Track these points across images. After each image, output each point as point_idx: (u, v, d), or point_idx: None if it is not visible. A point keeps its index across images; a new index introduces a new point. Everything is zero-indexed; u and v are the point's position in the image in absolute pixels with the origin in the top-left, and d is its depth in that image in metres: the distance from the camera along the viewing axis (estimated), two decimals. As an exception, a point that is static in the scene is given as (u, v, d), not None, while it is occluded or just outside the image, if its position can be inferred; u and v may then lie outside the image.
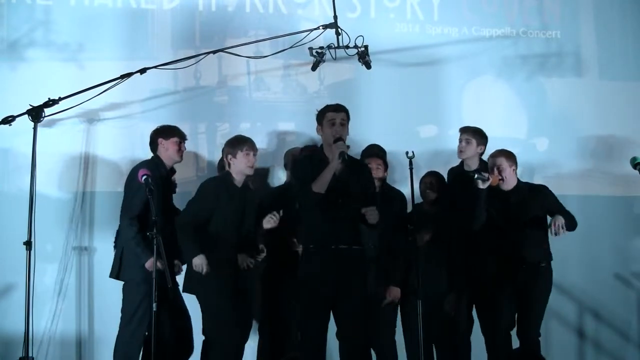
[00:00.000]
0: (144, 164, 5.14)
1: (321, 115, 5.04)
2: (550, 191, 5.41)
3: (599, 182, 6.57)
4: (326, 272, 4.89)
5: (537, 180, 6.08)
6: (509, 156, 5.33)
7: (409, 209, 5.24)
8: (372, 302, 5.31)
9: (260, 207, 5.19)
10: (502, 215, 5.28)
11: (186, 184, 5.68)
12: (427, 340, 5.41)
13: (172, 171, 5.33)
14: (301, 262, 5.06)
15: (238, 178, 5.05)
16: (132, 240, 5.04)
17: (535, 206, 5.30)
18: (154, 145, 5.28)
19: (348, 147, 4.98)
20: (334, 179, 4.91)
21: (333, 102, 5.13)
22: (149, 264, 4.97)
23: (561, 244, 5.93)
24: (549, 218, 5.22)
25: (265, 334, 5.54)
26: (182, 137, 5.30)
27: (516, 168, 5.36)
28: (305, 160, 5.25)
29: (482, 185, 5.19)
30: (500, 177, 5.26)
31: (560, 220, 5.12)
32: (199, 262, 4.85)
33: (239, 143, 5.06)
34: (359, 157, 5.52)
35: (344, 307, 4.92)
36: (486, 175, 5.20)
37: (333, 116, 5.00)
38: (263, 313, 5.53)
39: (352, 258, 4.96)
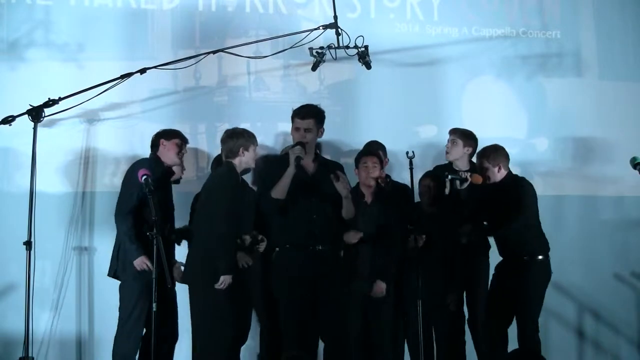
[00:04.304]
0: (144, 162, 5.15)
1: (292, 118, 5.18)
2: (525, 187, 5.35)
3: (598, 182, 6.57)
4: (304, 273, 4.98)
5: (536, 180, 6.08)
6: (492, 155, 5.34)
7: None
8: (371, 301, 5.35)
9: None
10: (486, 212, 5.30)
11: (186, 184, 5.67)
12: (429, 340, 5.45)
13: (170, 173, 5.32)
14: (276, 262, 5.12)
15: (239, 170, 4.96)
16: (124, 235, 5.06)
17: (516, 201, 5.27)
18: (155, 146, 5.28)
19: (304, 152, 5.06)
20: (307, 179, 5.08)
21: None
22: (137, 261, 4.99)
23: (561, 244, 5.94)
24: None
25: (266, 332, 5.55)
26: (183, 140, 5.31)
27: (504, 164, 5.36)
28: (269, 164, 5.38)
29: (460, 186, 5.24)
30: (482, 178, 5.28)
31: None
32: (227, 280, 4.79)
33: (251, 137, 5.01)
34: (359, 156, 5.52)
35: (323, 307, 5.01)
36: (464, 174, 5.24)
37: (299, 123, 5.20)
38: (263, 311, 5.53)
39: (328, 258, 5.03)
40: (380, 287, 5.32)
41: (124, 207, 5.11)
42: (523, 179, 5.48)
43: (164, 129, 5.35)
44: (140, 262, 4.99)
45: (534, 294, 5.30)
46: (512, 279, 5.25)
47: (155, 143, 5.29)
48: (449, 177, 5.28)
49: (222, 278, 4.76)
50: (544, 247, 5.36)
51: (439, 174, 5.60)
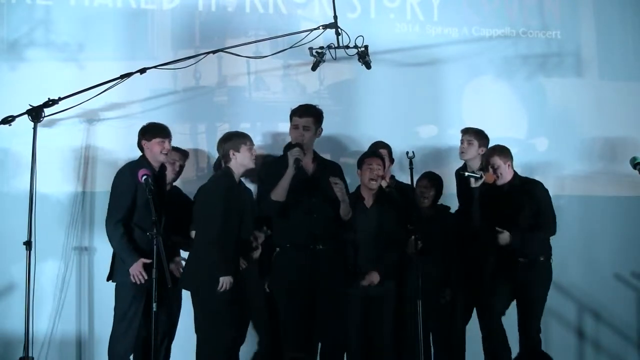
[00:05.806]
0: (133, 164, 5.11)
1: (290, 117, 5.16)
2: (543, 188, 5.46)
3: (598, 182, 6.57)
4: (303, 273, 4.99)
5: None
6: (502, 153, 5.39)
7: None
8: (372, 303, 5.34)
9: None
10: (498, 211, 5.30)
11: (186, 184, 5.68)
12: (425, 338, 5.45)
13: (161, 171, 5.24)
14: (276, 261, 5.13)
15: (239, 172, 4.99)
16: (116, 244, 5.00)
17: (529, 201, 5.35)
18: (140, 146, 5.20)
19: (303, 153, 5.07)
20: (307, 179, 5.10)
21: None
22: (133, 268, 4.92)
23: (561, 244, 5.94)
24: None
25: (267, 333, 5.54)
26: (165, 136, 5.14)
27: (511, 163, 5.41)
28: (268, 166, 5.36)
29: (474, 184, 5.29)
30: (495, 176, 5.31)
31: (503, 238, 5.19)
32: (227, 281, 4.79)
33: (240, 137, 5.02)
34: (364, 157, 5.50)
35: (322, 308, 5.01)
36: (479, 173, 5.31)
37: (297, 121, 5.24)
38: (263, 312, 5.52)
39: (328, 258, 5.03)
40: (373, 277, 5.24)
41: (113, 216, 5.03)
42: (539, 183, 5.51)
43: (145, 125, 5.23)
44: (136, 270, 4.91)
45: (544, 293, 5.37)
46: (527, 278, 5.29)
47: (139, 143, 5.18)
48: (465, 174, 5.32)
49: (221, 280, 4.75)
50: (548, 249, 5.41)
51: (435, 175, 5.64)
